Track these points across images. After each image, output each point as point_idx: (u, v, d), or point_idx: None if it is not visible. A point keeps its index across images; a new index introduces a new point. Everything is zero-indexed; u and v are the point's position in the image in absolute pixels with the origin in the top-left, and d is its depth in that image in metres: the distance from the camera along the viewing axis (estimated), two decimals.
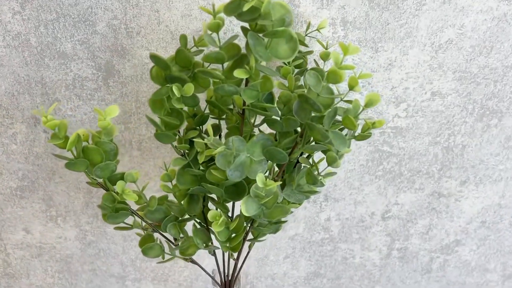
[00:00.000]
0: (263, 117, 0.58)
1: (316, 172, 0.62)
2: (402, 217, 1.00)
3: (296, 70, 0.70)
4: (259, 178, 0.55)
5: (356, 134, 0.62)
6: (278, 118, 0.58)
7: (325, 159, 0.63)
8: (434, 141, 0.89)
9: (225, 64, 0.56)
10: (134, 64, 0.77)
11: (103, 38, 0.74)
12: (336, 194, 0.95)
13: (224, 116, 0.67)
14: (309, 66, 0.75)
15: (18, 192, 0.90)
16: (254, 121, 0.59)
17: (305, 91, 0.55)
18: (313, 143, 0.59)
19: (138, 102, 0.80)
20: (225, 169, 0.55)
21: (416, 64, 0.80)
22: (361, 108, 0.54)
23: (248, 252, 0.74)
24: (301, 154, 0.66)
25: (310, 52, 0.71)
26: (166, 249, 0.75)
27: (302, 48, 0.73)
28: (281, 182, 0.56)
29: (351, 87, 0.59)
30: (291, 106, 0.58)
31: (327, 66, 0.77)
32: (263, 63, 0.53)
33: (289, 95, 0.56)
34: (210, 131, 0.52)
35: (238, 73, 0.51)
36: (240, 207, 0.59)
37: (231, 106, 0.66)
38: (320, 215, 0.98)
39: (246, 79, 0.55)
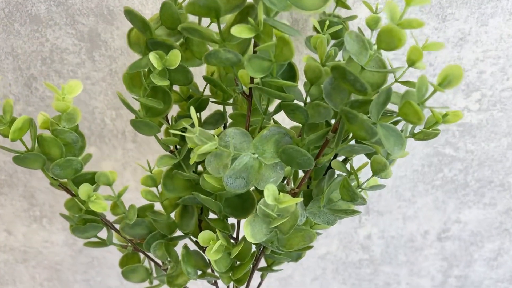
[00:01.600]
0: (279, 101, 0.40)
1: (355, 184, 0.43)
2: (464, 238, 0.79)
3: (333, 42, 0.52)
4: (269, 192, 0.37)
5: (417, 130, 0.43)
6: (302, 104, 0.39)
7: (368, 165, 0.44)
8: None
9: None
10: (124, 33, 0.60)
11: None
12: (381, 206, 0.76)
13: (231, 101, 0.49)
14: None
15: None
16: (267, 107, 0.41)
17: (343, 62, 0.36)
18: (353, 141, 0.40)
19: None
20: (219, 176, 0.37)
21: (498, 40, 0.59)
22: (429, 91, 0.34)
23: (260, 283, 0.56)
24: (334, 157, 0.47)
25: (353, 18, 0.52)
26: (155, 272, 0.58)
27: (342, 12, 0.54)
28: (300, 199, 0.38)
29: (412, 62, 0.40)
30: (322, 86, 0.39)
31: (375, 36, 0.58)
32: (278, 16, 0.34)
33: (319, 69, 0.37)
34: (194, 117, 0.34)
35: (239, 31, 0.33)
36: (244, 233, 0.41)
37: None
38: (359, 231, 0.79)
39: (254, 42, 0.37)
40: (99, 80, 0.64)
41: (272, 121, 0.47)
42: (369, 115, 0.35)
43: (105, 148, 0.70)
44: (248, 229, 0.41)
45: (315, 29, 0.51)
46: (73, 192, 0.48)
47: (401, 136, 0.36)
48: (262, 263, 0.54)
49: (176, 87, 0.48)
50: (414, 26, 0.33)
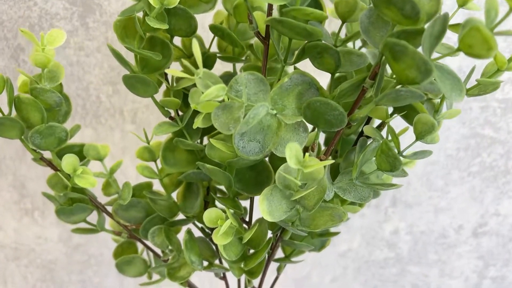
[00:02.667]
0: (301, 46, 0.32)
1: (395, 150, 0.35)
2: (503, 233, 0.70)
3: None
4: (292, 152, 0.29)
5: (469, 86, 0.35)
6: (331, 45, 0.31)
7: (408, 131, 0.37)
8: None
9: None
10: None
11: None
12: (409, 197, 0.67)
13: (243, 58, 0.41)
14: None
15: None
16: (287, 52, 0.34)
17: None
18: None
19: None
20: (229, 133, 0.30)
21: None
22: (498, 16, 0.26)
23: (277, 278, 0.48)
24: (367, 122, 0.40)
25: None
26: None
27: None
28: (331, 161, 0.30)
29: (463, 2, 0.33)
30: (356, 23, 0.31)
31: None
32: None
33: (353, 0, 0.30)
34: (197, 54, 0.27)
35: None
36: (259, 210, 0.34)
37: (252, 41, 0.41)
38: (384, 225, 0.70)
39: None
40: (94, 51, 0.57)
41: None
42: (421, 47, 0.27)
43: (101, 129, 0.63)
44: (264, 205, 0.33)
45: None
46: (57, 166, 0.41)
47: (458, 80, 0.28)
48: (279, 254, 0.46)
49: (177, 42, 0.41)
50: None
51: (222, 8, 0.40)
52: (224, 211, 0.37)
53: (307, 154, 0.29)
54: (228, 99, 0.30)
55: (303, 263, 0.76)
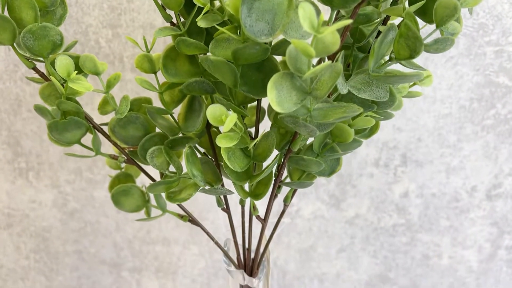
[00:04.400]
0: None
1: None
2: None
3: None
4: (306, 12, 0.26)
5: None
6: None
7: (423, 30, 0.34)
8: None
9: None
10: None
11: None
12: (419, 155, 0.65)
13: None
14: None
15: None
16: None
17: None
18: None
19: None
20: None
21: None
22: None
23: (283, 211, 0.44)
24: (384, 23, 0.37)
25: None
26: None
27: None
28: (350, 21, 0.27)
29: None
30: None
31: None
32: None
33: None
34: None
35: None
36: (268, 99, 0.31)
37: None
38: (394, 187, 0.67)
39: None
40: None
41: None
42: None
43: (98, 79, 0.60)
44: (273, 94, 0.31)
45: None
46: (50, 76, 0.39)
47: None
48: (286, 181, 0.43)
49: None
50: None
51: None
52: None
53: (321, 15, 0.27)
54: None
55: (308, 233, 0.72)
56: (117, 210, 0.72)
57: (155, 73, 0.40)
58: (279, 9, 0.30)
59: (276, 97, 0.31)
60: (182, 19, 0.39)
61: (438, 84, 0.59)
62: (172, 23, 0.38)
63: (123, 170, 0.47)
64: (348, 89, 0.34)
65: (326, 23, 0.32)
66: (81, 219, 0.73)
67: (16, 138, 0.66)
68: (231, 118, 0.32)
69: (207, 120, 0.42)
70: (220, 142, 0.34)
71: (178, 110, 0.43)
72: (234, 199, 0.45)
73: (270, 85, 0.31)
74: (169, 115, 0.41)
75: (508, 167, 0.64)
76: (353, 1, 0.29)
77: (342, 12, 0.38)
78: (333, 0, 0.30)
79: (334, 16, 0.32)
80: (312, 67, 0.30)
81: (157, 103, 0.43)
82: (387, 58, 0.34)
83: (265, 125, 0.42)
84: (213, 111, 0.33)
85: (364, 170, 0.66)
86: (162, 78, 0.39)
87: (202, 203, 0.69)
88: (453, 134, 0.62)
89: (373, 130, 0.42)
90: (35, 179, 0.70)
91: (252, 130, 0.44)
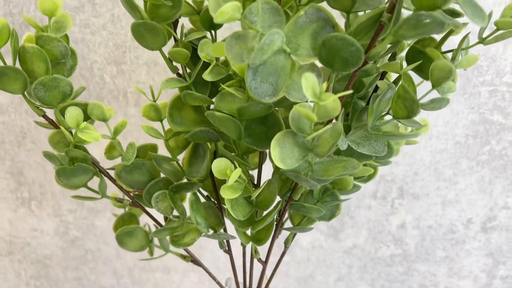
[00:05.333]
0: None
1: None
2: None
3: None
4: (308, 81, 0.28)
5: (485, 34, 0.34)
6: None
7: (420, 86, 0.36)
8: None
9: None
10: None
11: None
12: (416, 188, 0.66)
13: None
14: None
15: None
16: None
17: None
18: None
19: None
20: (242, 63, 0.29)
21: None
22: None
23: (284, 253, 0.46)
24: (382, 77, 0.39)
25: None
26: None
27: None
28: (350, 91, 0.29)
29: None
30: None
31: None
32: None
33: None
34: None
35: None
36: (271, 156, 0.32)
37: None
38: (391, 219, 0.69)
39: None
40: (100, 28, 0.56)
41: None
42: None
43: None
44: (276, 151, 0.32)
45: None
46: (59, 124, 0.40)
47: (480, 8, 0.28)
48: (287, 225, 0.44)
49: None
50: None
51: None
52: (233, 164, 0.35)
53: (323, 84, 0.28)
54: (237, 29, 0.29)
55: (306, 262, 0.73)
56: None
57: (161, 121, 0.41)
58: (282, 72, 0.32)
59: (279, 154, 0.32)
60: (187, 70, 0.40)
61: (434, 121, 0.60)
62: (178, 74, 0.40)
63: (127, 209, 0.48)
64: (348, 144, 0.35)
65: (327, 85, 0.33)
66: (82, 247, 0.74)
67: (20, 169, 0.67)
68: (236, 172, 0.34)
69: (211, 161, 0.43)
70: (225, 193, 0.35)
71: (182, 154, 0.44)
72: (236, 239, 0.46)
73: (273, 143, 0.32)
74: None
75: (503, 200, 0.66)
76: (353, 66, 0.31)
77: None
78: (334, 64, 0.31)
79: (334, 78, 0.33)
80: (315, 118, 0.31)
81: (162, 147, 0.44)
82: (385, 111, 0.36)
83: (268, 164, 0.43)
84: (218, 165, 0.35)
85: (362, 202, 0.67)
86: (167, 124, 0.40)
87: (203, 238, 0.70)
88: (449, 168, 0.64)
89: (371, 175, 0.43)
90: (37, 208, 0.70)
91: (255, 171, 0.45)
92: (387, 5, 0.30)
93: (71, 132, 0.39)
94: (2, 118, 0.63)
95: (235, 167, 0.35)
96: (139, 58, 0.58)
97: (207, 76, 0.36)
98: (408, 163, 0.64)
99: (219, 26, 0.40)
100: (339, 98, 0.30)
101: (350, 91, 0.28)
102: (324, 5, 0.33)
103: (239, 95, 0.34)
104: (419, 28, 0.28)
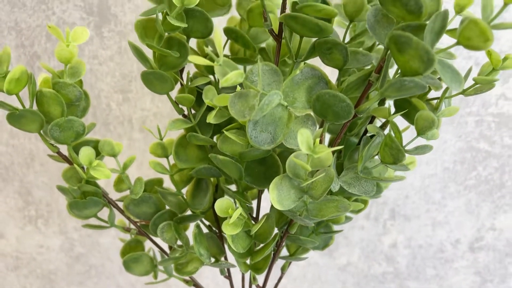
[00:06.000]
0: (312, 43, 0.35)
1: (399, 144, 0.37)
2: (499, 248, 0.72)
3: None
4: (303, 137, 0.31)
5: (466, 86, 0.37)
6: (340, 41, 0.34)
7: (408, 130, 0.39)
8: None
9: None
10: (137, 6, 0.56)
11: None
12: (407, 210, 0.69)
13: (255, 60, 0.44)
14: None
15: None
16: (298, 49, 0.36)
17: None
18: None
19: None
20: (244, 119, 0.32)
21: None
22: (494, 11, 0.29)
23: (280, 278, 0.49)
24: (370, 122, 0.42)
25: None
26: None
27: None
28: (340, 147, 0.32)
29: (460, 9, 0.35)
30: (363, 20, 0.34)
31: None
32: None
33: (360, 1, 0.33)
34: (219, 42, 0.29)
35: None
36: (269, 199, 0.35)
37: (263, 45, 0.43)
38: (383, 238, 0.72)
39: None
40: (107, 60, 0.59)
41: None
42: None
43: (109, 137, 0.65)
44: (274, 193, 0.35)
45: None
46: (73, 160, 0.43)
47: (458, 72, 0.31)
48: (284, 254, 0.47)
49: (193, 45, 0.44)
50: None
51: (236, 14, 0.43)
52: (234, 202, 0.38)
53: (317, 139, 0.31)
54: (242, 87, 0.32)
55: (302, 279, 0.76)
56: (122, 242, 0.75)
57: (167, 157, 0.44)
58: (280, 122, 0.35)
59: (277, 196, 0.35)
60: (192, 111, 0.43)
61: None
62: (184, 115, 0.43)
63: (133, 236, 0.51)
64: (340, 185, 0.38)
65: (321, 133, 0.37)
66: (86, 262, 0.77)
67: (28, 189, 0.70)
68: (237, 212, 0.37)
69: (213, 194, 0.46)
70: (226, 229, 0.38)
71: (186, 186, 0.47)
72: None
73: (272, 186, 0.35)
74: None
75: (490, 222, 0.69)
76: (344, 118, 0.34)
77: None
78: (327, 116, 0.34)
79: (327, 127, 0.36)
80: (309, 169, 0.34)
81: (167, 179, 0.47)
82: (375, 154, 0.39)
83: (266, 194, 0.46)
84: (221, 205, 0.38)
85: (355, 223, 0.71)
86: (172, 159, 0.43)
87: None
88: (438, 192, 0.67)
89: (363, 207, 0.46)
90: (43, 226, 0.73)
91: (254, 201, 0.48)
92: (376, 61, 0.33)
93: (83, 168, 0.42)
94: (12, 142, 0.66)
95: (236, 205, 0.38)
96: (144, 87, 0.61)
97: (211, 119, 0.39)
98: (399, 187, 0.67)
99: None
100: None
101: (341, 147, 0.31)
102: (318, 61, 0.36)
103: (240, 141, 0.37)
104: (402, 90, 0.31)
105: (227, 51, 0.45)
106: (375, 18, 0.32)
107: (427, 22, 0.29)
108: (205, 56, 0.44)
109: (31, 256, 0.76)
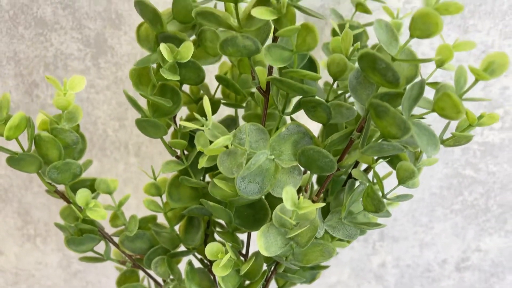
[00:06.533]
0: (298, 99, 0.37)
1: (380, 193, 0.39)
2: (484, 268, 0.74)
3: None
4: (288, 195, 0.33)
5: (446, 136, 0.39)
6: (323, 101, 0.36)
7: (391, 176, 0.41)
8: None
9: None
10: (133, 39, 0.57)
11: (92, 1, 0.55)
12: (396, 232, 0.71)
13: (244, 104, 0.46)
14: (370, 44, 0.53)
15: None
16: (285, 105, 0.38)
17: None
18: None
19: None
20: (232, 176, 0.34)
21: None
22: (468, 83, 0.31)
23: None
24: (355, 165, 0.44)
25: (373, 23, 0.49)
26: None
27: (362, 19, 0.52)
28: (323, 204, 0.34)
29: (441, 63, 0.37)
30: (346, 81, 0.36)
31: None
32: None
33: (344, 63, 0.34)
34: (208, 108, 0.31)
35: (260, 12, 0.30)
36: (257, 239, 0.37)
37: (253, 90, 0.45)
38: (372, 258, 0.74)
39: (274, 31, 0.34)
40: (104, 89, 0.61)
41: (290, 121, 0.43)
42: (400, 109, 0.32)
43: (106, 161, 0.67)
44: (261, 241, 0.37)
45: (333, 34, 0.49)
46: (70, 199, 0.45)
47: (434, 135, 0.33)
48: (273, 285, 0.49)
49: (185, 88, 0.45)
50: (452, 11, 0.30)
51: (227, 59, 0.45)
52: (223, 245, 0.40)
53: (301, 197, 0.33)
54: (232, 145, 0.34)
55: None
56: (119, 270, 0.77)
57: (160, 196, 0.46)
58: (267, 173, 0.37)
59: (264, 243, 0.37)
60: (185, 152, 0.45)
61: None
62: (177, 156, 0.45)
63: (129, 268, 0.53)
64: (325, 230, 0.40)
65: (307, 180, 0.38)
66: (83, 279, 0.79)
67: (26, 209, 0.72)
68: (226, 256, 0.39)
69: (204, 231, 0.48)
70: (217, 271, 0.40)
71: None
72: None
73: (259, 234, 0.37)
74: None
75: (475, 244, 0.71)
76: (328, 172, 0.36)
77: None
78: (312, 169, 0.36)
79: (312, 176, 0.38)
80: (294, 223, 0.36)
81: (160, 216, 0.49)
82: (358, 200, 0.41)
83: None
84: (211, 249, 0.40)
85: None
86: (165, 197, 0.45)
87: None
88: (425, 215, 0.69)
89: (347, 245, 0.48)
90: (42, 244, 0.75)
91: (244, 236, 0.50)
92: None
93: (79, 208, 0.44)
94: None
95: (226, 247, 0.40)
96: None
97: (202, 164, 0.41)
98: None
99: (215, 111, 0.45)
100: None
101: (324, 204, 0.33)
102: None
103: (229, 190, 0.38)
104: (382, 152, 0.33)
105: (219, 94, 0.47)
106: (356, 80, 0.34)
107: (406, 89, 0.31)
108: (198, 100, 0.45)
109: (29, 272, 0.78)
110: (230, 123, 0.46)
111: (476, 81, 0.30)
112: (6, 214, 0.72)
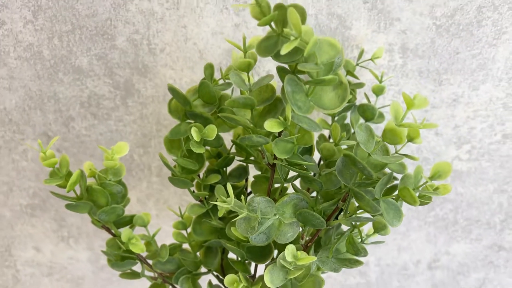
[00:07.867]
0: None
1: (359, 240, 0.50)
2: (452, 268, 0.87)
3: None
4: (289, 251, 0.44)
5: None
6: (316, 178, 0.47)
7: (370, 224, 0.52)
8: (500, 189, 0.76)
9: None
10: (156, 84, 0.67)
11: (123, 54, 0.65)
12: (377, 238, 0.83)
13: (252, 159, 0.56)
14: (357, 102, 0.63)
15: (29, 210, 0.83)
16: (287, 175, 0.49)
17: (353, 149, 0.44)
18: (360, 211, 0.47)
19: (159, 124, 0.71)
20: (247, 235, 0.45)
21: (487, 102, 0.67)
22: (423, 180, 0.42)
23: None
24: (340, 212, 0.55)
25: (361, 85, 0.60)
26: None
27: (350, 79, 0.62)
28: (315, 258, 0.45)
29: (411, 139, 0.47)
30: (335, 162, 0.47)
31: (380, 101, 0.65)
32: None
33: (333, 150, 0.45)
34: (230, 191, 0.42)
35: (270, 126, 0.40)
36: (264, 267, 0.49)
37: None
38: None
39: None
40: (131, 122, 0.71)
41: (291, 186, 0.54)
42: (373, 192, 0.43)
43: (131, 180, 0.78)
44: (268, 276, 0.49)
45: None
46: (114, 233, 0.56)
47: (399, 210, 0.44)
48: None
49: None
50: (414, 128, 0.40)
51: None
52: (236, 272, 0.52)
53: (299, 252, 0.45)
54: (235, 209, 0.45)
55: None
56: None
57: (185, 229, 0.57)
58: (273, 227, 0.48)
59: (269, 278, 0.49)
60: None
61: None
62: (200, 200, 0.56)
63: (159, 282, 0.65)
64: (317, 264, 0.52)
65: (304, 231, 0.50)
66: (109, 272, 0.91)
67: (62, 216, 0.83)
68: (240, 287, 0.50)
69: (221, 256, 0.60)
70: None
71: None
72: None
73: (266, 271, 0.49)
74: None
75: (445, 248, 0.84)
76: (319, 227, 0.47)
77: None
78: (307, 224, 0.48)
79: (307, 230, 0.50)
80: (294, 266, 0.48)
81: (185, 244, 0.60)
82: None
83: None
84: (229, 279, 0.51)
85: None
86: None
87: None
88: (403, 225, 0.81)
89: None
90: (74, 244, 0.87)
91: None
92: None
93: (122, 242, 0.56)
94: None
95: (239, 276, 0.52)
96: (161, 143, 0.73)
97: (221, 213, 0.52)
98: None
99: (230, 164, 0.56)
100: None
101: (315, 258, 0.45)
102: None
103: (242, 238, 0.50)
104: (359, 221, 0.44)
105: (233, 150, 0.57)
106: (342, 164, 0.45)
107: (378, 179, 0.42)
108: (217, 154, 0.56)
109: (62, 265, 0.91)
110: (242, 172, 0.57)
111: (426, 182, 0.41)
112: (44, 220, 0.84)
